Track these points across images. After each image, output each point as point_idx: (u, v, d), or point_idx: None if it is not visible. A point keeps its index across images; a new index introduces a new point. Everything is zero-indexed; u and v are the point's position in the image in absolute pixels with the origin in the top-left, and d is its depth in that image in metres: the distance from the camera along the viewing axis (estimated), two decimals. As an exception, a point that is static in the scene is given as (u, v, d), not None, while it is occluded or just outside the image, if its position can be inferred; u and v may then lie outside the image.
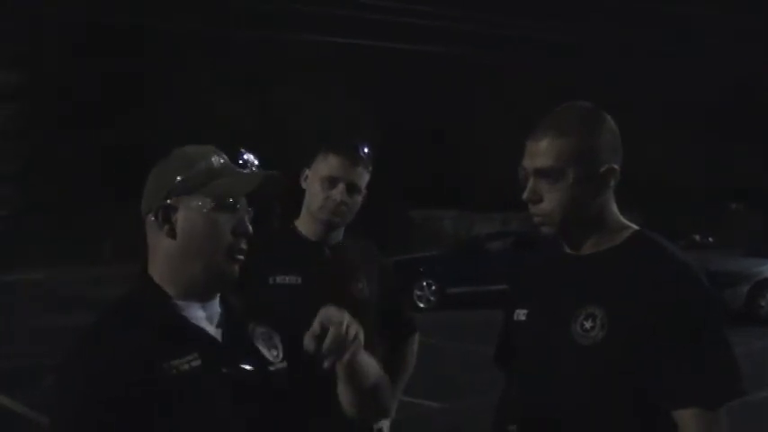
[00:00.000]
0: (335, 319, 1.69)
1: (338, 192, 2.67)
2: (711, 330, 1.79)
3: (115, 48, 26.74)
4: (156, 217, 1.66)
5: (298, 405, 1.78)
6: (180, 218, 1.65)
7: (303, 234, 2.74)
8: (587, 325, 1.82)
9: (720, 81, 34.94)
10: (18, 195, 23.90)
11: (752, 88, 35.97)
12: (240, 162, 2.51)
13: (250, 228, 1.70)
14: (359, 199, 2.76)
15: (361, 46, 26.68)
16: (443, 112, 31.94)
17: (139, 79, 27.36)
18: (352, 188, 2.70)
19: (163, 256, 1.67)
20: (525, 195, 1.90)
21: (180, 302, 1.66)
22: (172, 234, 1.66)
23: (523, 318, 1.98)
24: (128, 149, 24.59)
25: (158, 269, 1.68)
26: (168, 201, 1.65)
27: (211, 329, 1.69)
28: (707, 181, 36.22)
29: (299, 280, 2.60)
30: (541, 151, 1.86)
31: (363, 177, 2.74)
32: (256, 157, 2.60)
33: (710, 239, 31.32)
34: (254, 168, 2.53)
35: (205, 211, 1.65)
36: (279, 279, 2.65)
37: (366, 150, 2.76)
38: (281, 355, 1.79)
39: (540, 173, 1.87)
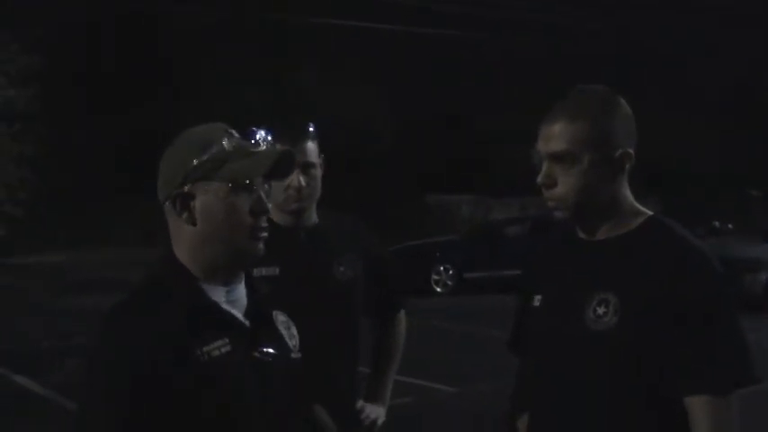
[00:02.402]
0: None
1: (294, 178, 2.64)
2: (723, 317, 1.78)
3: (134, 34, 26.78)
4: (174, 204, 1.66)
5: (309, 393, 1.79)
6: (198, 204, 1.65)
7: (276, 222, 2.66)
8: (600, 311, 1.82)
9: (741, 67, 34.61)
10: (37, 178, 23.99)
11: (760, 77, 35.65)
12: (253, 141, 2.52)
13: (268, 205, 1.70)
14: (317, 172, 2.74)
15: (377, 30, 26.61)
16: (460, 98, 31.83)
17: (157, 65, 27.40)
18: (306, 167, 2.68)
19: (185, 241, 1.67)
20: (540, 179, 1.89)
21: (206, 285, 1.66)
22: (191, 221, 1.66)
23: (537, 303, 1.97)
24: (145, 135, 24.67)
25: (182, 253, 1.68)
26: (185, 187, 1.65)
27: (238, 313, 1.69)
28: (727, 167, 35.94)
29: (277, 270, 2.55)
30: (555, 135, 1.85)
31: (312, 150, 2.72)
32: (269, 132, 2.59)
33: (730, 226, 31.10)
34: (267, 145, 2.54)
35: (222, 195, 1.64)
36: (256, 272, 2.65)
37: (305, 125, 2.74)
38: (297, 346, 1.81)
39: (555, 157, 1.86)
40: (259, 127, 2.54)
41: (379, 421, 2.90)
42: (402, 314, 3.05)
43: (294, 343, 1.80)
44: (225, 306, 1.67)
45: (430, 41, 28.05)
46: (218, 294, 1.67)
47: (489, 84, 32.13)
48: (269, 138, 2.55)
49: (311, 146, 2.72)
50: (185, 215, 1.65)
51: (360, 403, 2.87)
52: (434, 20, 26.65)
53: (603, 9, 29.12)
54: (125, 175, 24.44)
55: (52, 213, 25.07)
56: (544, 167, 1.88)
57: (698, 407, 1.75)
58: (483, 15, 27.09)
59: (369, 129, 30.47)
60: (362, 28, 26.38)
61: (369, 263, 2.86)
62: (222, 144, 1.67)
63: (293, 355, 1.78)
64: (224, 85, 27.80)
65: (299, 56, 29.66)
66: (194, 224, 1.65)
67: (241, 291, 1.72)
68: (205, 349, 1.59)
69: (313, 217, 2.79)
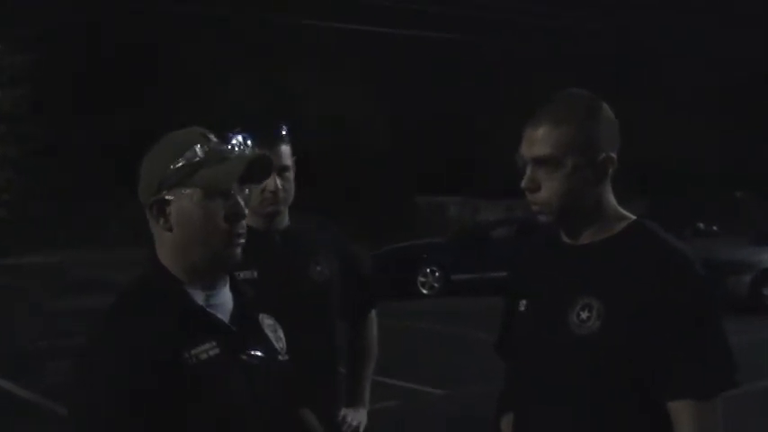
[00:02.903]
0: None
1: (270, 182, 2.66)
2: (706, 321, 1.79)
3: (129, 33, 26.70)
4: (152, 210, 1.67)
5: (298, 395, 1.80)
6: (173, 210, 1.66)
7: (251, 226, 2.71)
8: (584, 315, 1.82)
9: (726, 68, 34.79)
10: (21, 179, 23.91)
11: (759, 76, 35.83)
12: (229, 145, 2.53)
13: (245, 209, 1.70)
14: (291, 175, 2.76)
15: (371, 32, 26.63)
16: (450, 100, 31.88)
17: (152, 65, 27.34)
18: (281, 171, 2.71)
19: (165, 246, 1.69)
20: (523, 184, 1.89)
21: (190, 289, 1.68)
22: (168, 227, 1.67)
23: (523, 308, 1.98)
24: (143, 134, 24.57)
25: (164, 256, 1.70)
26: (162, 194, 1.66)
27: (224, 317, 1.70)
28: (712, 168, 36.13)
29: (256, 273, 2.56)
30: (539, 139, 1.86)
31: (286, 153, 2.75)
32: (246, 136, 2.59)
33: (715, 227, 31.24)
34: (245, 149, 2.53)
35: (196, 200, 1.65)
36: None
37: (278, 129, 2.76)
38: (284, 348, 1.82)
39: (538, 161, 1.86)
40: (234, 130, 2.55)
41: (362, 427, 2.90)
42: (373, 314, 3.07)
43: (281, 345, 1.81)
44: (211, 309, 1.68)
45: (422, 43, 28.08)
46: (199, 298, 1.68)
47: (479, 85, 32.19)
48: (247, 142, 2.56)
49: (285, 149, 2.75)
50: (162, 221, 1.67)
51: (342, 411, 2.88)
52: (428, 21, 26.68)
53: (603, 9, 29.20)
54: (122, 175, 24.38)
55: (47, 214, 24.97)
56: (528, 171, 1.89)
57: (682, 411, 1.76)
58: (477, 17, 27.12)
59: (358, 130, 30.48)
60: (355, 30, 26.37)
61: (342, 263, 2.89)
62: (196, 149, 1.67)
63: (281, 358, 1.78)
64: (220, 85, 27.76)
65: (297, 56, 29.64)
66: (170, 230, 1.66)
67: (225, 294, 1.73)
68: (193, 352, 1.60)
69: (286, 219, 2.82)
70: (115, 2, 24.79)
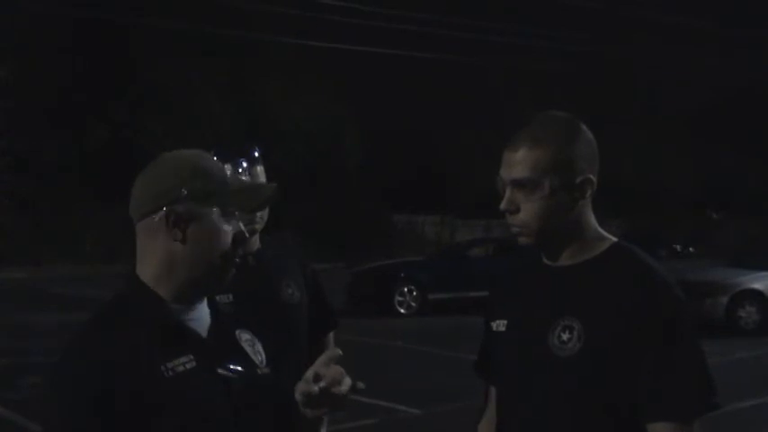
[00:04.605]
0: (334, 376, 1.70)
1: None
2: (686, 343, 1.79)
3: (102, 47, 26.63)
4: (168, 222, 1.67)
5: (279, 409, 1.80)
6: (194, 224, 1.67)
7: None
8: (564, 337, 1.82)
9: (704, 91, 35.20)
10: (1, 193, 23.71)
11: (736, 98, 36.28)
12: (240, 170, 2.63)
13: (246, 233, 1.77)
14: None
15: (346, 50, 26.72)
16: (427, 118, 32.02)
17: (126, 79, 27.25)
18: None
19: (158, 259, 1.69)
20: (502, 206, 1.89)
21: (171, 305, 1.68)
22: (182, 239, 1.67)
23: (503, 329, 1.98)
24: (112, 149, 24.51)
25: (152, 271, 1.69)
26: (182, 206, 1.67)
27: (202, 332, 1.71)
28: (689, 190, 36.45)
29: (231, 297, 2.55)
30: (518, 162, 1.86)
31: (263, 174, 2.77)
32: (253, 159, 2.62)
33: (691, 249, 31.48)
34: (245, 174, 2.64)
35: (216, 219, 1.69)
36: None
37: (252, 149, 2.78)
38: (264, 361, 1.83)
39: (517, 183, 1.86)
40: (211, 149, 2.55)
41: None
42: (332, 336, 3.08)
43: (260, 359, 1.82)
44: (189, 324, 1.69)
45: (399, 61, 28.22)
46: (182, 313, 1.69)
47: (456, 105, 32.34)
48: (245, 165, 2.60)
49: (260, 170, 2.77)
50: (176, 232, 1.67)
51: None
52: (404, 40, 26.84)
53: (579, 32, 29.48)
54: (95, 191, 24.24)
55: (18, 229, 24.74)
56: (507, 193, 1.89)
57: None
58: (453, 36, 27.30)
59: (335, 147, 30.47)
60: (333, 48, 26.45)
61: (306, 282, 2.91)
62: (216, 171, 1.73)
63: (260, 371, 1.79)
64: (194, 100, 27.68)
65: (268, 72, 29.64)
66: (184, 243, 1.67)
67: (203, 310, 1.75)
68: (169, 365, 1.60)
69: (257, 242, 2.83)
70: (89, 17, 24.69)
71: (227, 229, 1.70)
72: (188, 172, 1.69)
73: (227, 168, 2.52)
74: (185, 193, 1.67)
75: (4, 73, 23.12)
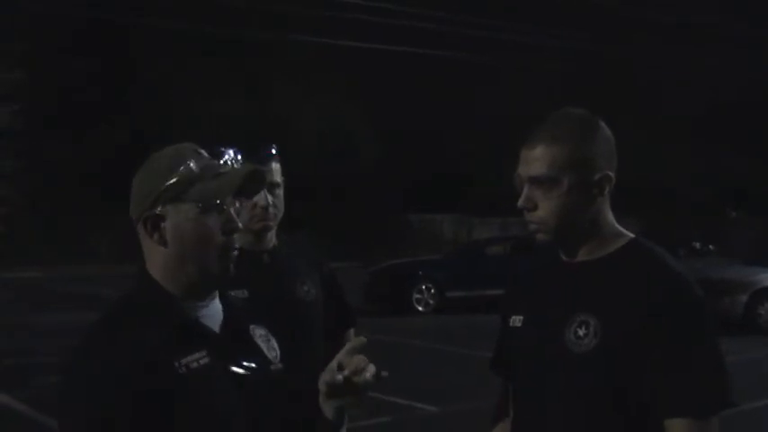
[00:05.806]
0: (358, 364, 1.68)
1: (261, 197, 2.69)
2: (703, 340, 1.79)
3: (113, 47, 26.72)
4: (146, 226, 1.67)
5: (294, 405, 1.80)
6: (168, 226, 1.66)
7: (240, 246, 2.70)
8: (581, 332, 1.82)
9: (722, 89, 34.97)
10: (15, 194, 23.87)
11: (753, 96, 36.01)
12: (221, 161, 2.54)
13: (239, 223, 1.72)
14: (281, 192, 2.80)
15: (361, 48, 26.69)
16: (443, 116, 31.95)
17: (137, 79, 27.34)
18: (272, 187, 2.74)
19: (157, 261, 1.69)
20: (520, 203, 1.90)
21: (182, 301, 1.68)
22: (162, 242, 1.67)
23: (519, 324, 1.98)
24: (123, 149, 24.62)
25: (156, 271, 1.70)
26: (156, 209, 1.66)
27: (215, 328, 1.71)
28: (708, 188, 36.23)
29: (246, 293, 2.57)
30: (536, 159, 1.86)
31: (277, 170, 2.79)
32: (239, 151, 2.61)
33: (710, 247, 31.31)
34: (235, 165, 2.58)
35: (192, 216, 1.66)
36: None
37: (268, 148, 2.79)
38: (278, 357, 1.82)
39: (535, 180, 1.87)
40: (226, 147, 2.56)
41: None
42: (352, 332, 3.08)
43: (275, 354, 1.82)
44: (202, 320, 1.69)
45: (414, 59, 28.15)
46: (194, 310, 1.69)
47: (473, 103, 32.26)
48: (238, 157, 2.58)
49: (276, 166, 2.78)
50: (156, 236, 1.67)
51: None
52: (419, 38, 26.77)
53: (592, 30, 29.36)
54: (103, 191, 24.36)
55: (32, 229, 24.92)
56: (525, 191, 1.89)
57: (679, 429, 1.76)
58: (469, 34, 27.21)
59: (352, 147, 30.47)
60: (348, 46, 26.43)
61: (323, 282, 2.92)
62: (190, 165, 1.68)
63: (273, 367, 1.78)
64: (206, 101, 27.73)
65: (283, 71, 29.65)
66: (165, 245, 1.67)
67: (216, 306, 1.74)
68: (183, 361, 1.60)
69: (273, 239, 2.84)
70: (100, 18, 24.77)
71: (210, 221, 1.66)
72: (159, 174, 1.67)
73: (229, 156, 2.52)
74: (157, 196, 1.65)
75: (14, 76, 23.29)
